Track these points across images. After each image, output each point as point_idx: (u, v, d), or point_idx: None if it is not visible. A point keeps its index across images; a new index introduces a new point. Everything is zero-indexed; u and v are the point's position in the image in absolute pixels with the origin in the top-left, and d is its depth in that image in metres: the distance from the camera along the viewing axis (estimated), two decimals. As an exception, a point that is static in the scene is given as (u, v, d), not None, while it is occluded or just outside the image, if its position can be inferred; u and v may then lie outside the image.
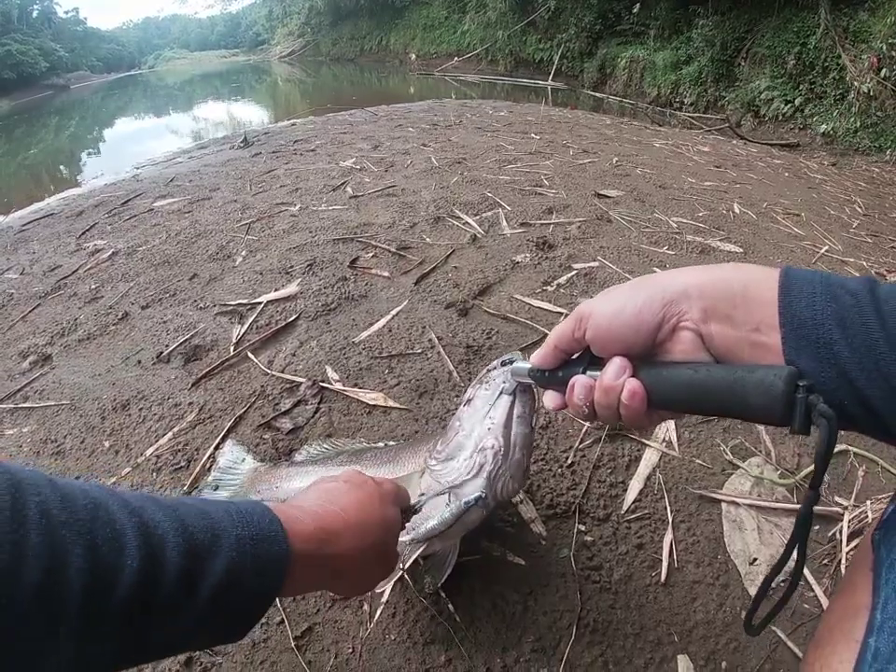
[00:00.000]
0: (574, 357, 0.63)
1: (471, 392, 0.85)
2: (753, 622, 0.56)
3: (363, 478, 0.70)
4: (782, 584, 0.96)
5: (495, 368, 0.82)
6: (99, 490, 0.45)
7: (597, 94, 12.47)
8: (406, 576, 0.95)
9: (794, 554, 0.51)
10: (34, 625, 0.37)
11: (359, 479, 0.69)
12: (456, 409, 0.89)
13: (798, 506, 1.12)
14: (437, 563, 0.89)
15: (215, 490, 1.16)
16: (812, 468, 1.20)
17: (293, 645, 0.90)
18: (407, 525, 0.78)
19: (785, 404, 0.45)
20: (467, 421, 0.84)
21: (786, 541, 1.03)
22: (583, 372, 0.60)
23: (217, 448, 1.27)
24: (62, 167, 8.98)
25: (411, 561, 0.81)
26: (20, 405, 1.50)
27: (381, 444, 1.13)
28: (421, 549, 0.81)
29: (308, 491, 0.66)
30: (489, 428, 0.80)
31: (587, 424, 1.27)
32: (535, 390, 0.80)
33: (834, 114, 7.85)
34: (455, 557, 0.88)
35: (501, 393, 0.80)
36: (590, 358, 0.60)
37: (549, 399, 0.66)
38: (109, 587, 0.40)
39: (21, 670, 0.37)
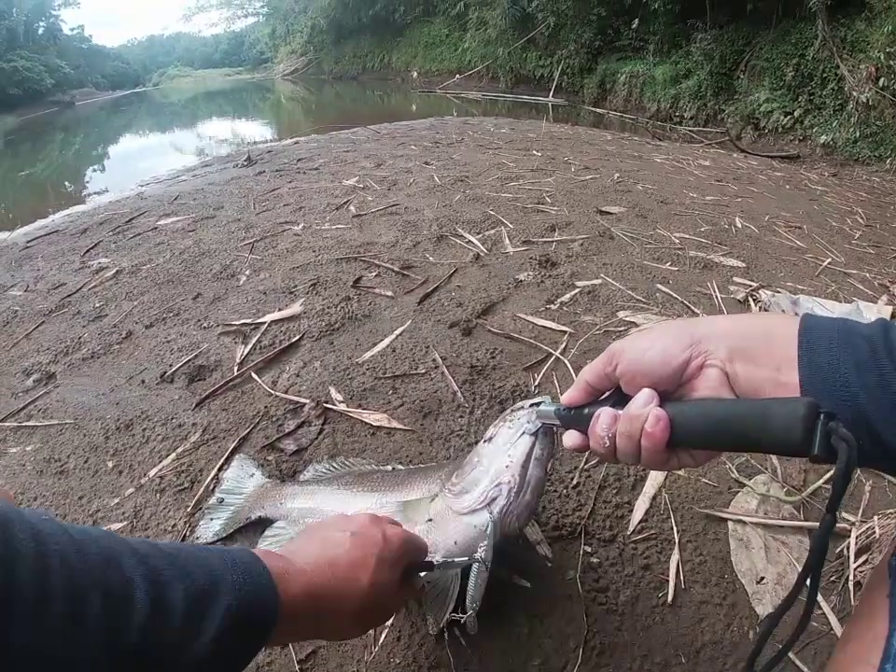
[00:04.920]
0: (602, 397, 0.65)
1: (493, 430, 0.85)
2: (756, 667, 0.56)
3: (371, 532, 0.68)
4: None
5: (521, 408, 0.82)
6: (108, 538, 0.48)
7: (598, 110, 12.55)
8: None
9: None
10: (58, 666, 0.40)
11: (369, 534, 0.67)
12: (475, 445, 0.89)
13: (805, 523, 1.12)
14: (437, 600, 0.84)
15: (220, 503, 1.16)
16: (819, 483, 1.20)
17: (297, 669, 0.89)
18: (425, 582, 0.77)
19: (805, 429, 0.46)
20: (486, 458, 0.84)
21: (793, 559, 1.03)
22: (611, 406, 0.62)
23: (220, 469, 1.27)
24: (66, 183, 9.01)
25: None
26: (23, 423, 1.49)
27: (389, 467, 1.13)
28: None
29: (311, 537, 0.67)
30: (507, 466, 0.81)
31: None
32: (556, 436, 0.80)
33: (834, 124, 7.89)
34: (456, 591, 0.83)
35: (524, 433, 0.80)
36: (618, 397, 0.63)
37: (569, 437, 0.67)
38: (123, 629, 0.43)
39: None
